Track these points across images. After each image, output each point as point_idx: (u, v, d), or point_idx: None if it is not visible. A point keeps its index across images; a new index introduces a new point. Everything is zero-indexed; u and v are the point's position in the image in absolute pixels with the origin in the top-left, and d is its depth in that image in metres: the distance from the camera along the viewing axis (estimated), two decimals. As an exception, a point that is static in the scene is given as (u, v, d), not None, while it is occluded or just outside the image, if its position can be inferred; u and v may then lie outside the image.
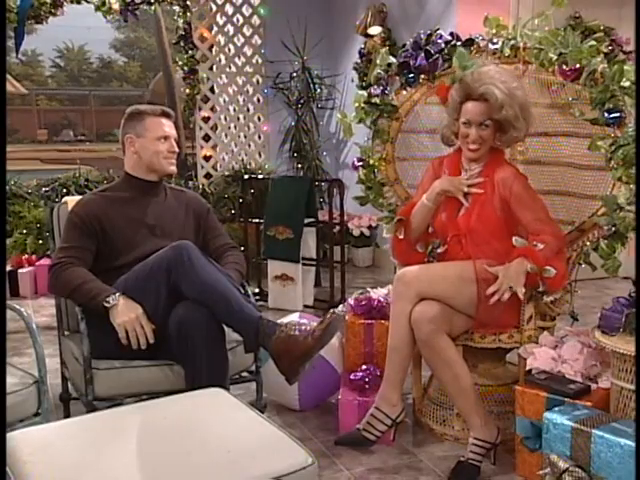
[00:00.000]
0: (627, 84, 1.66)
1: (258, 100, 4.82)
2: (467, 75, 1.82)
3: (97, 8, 4.39)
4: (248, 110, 4.83)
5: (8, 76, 5.86)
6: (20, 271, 3.88)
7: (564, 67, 1.82)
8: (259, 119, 4.84)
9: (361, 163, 2.17)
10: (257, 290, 3.76)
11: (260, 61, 4.74)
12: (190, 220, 1.96)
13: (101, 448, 1.15)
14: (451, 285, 1.77)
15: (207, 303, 1.63)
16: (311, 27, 4.60)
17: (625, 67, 1.68)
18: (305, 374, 1.71)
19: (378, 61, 2.15)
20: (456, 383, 1.73)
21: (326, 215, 3.58)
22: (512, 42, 1.97)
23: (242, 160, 4.80)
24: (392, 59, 2.11)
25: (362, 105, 2.14)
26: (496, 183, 1.81)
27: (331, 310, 1.71)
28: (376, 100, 2.12)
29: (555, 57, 1.84)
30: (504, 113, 1.75)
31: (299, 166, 4.85)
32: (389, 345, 1.84)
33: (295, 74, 4.77)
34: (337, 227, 3.67)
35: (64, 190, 4.35)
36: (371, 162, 2.15)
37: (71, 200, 1.99)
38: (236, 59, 4.74)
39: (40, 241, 4.05)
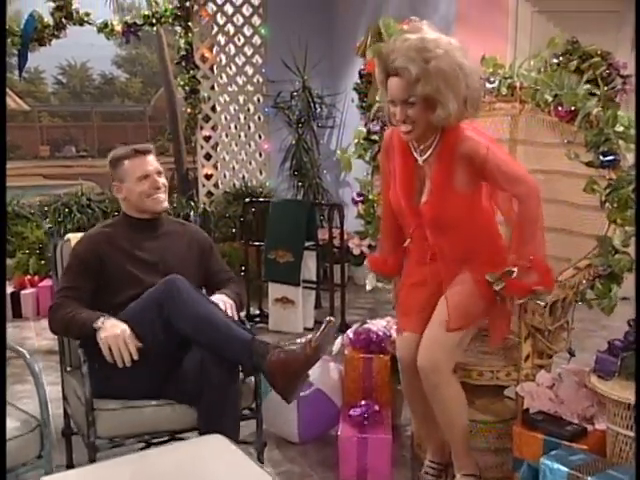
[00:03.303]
0: (621, 129, 1.69)
1: (259, 119, 4.86)
2: (383, 47, 1.63)
3: (99, 30, 4.45)
4: (249, 128, 4.87)
5: (11, 93, 5.91)
6: (23, 292, 3.90)
7: (559, 108, 1.85)
8: (260, 137, 4.88)
9: (361, 198, 2.20)
10: (258, 312, 3.79)
11: (261, 80, 4.78)
12: (192, 254, 1.96)
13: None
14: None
15: (200, 336, 1.66)
16: (311, 47, 4.64)
17: (619, 112, 1.70)
18: (301, 390, 1.72)
19: (377, 97, 2.17)
20: (453, 430, 1.77)
21: (326, 234, 3.60)
22: (509, 81, 2.00)
23: (243, 178, 4.83)
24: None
25: (361, 141, 2.17)
26: (457, 158, 1.61)
27: (327, 318, 1.71)
28: (375, 137, 2.15)
29: (551, 98, 1.87)
30: (420, 89, 1.52)
31: (299, 184, 4.89)
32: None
33: (296, 93, 4.81)
34: (337, 249, 3.69)
35: (66, 210, 4.39)
36: (370, 197, 2.18)
37: (74, 237, 2.01)
38: (237, 78, 4.79)
39: (42, 262, 4.07)
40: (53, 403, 2.53)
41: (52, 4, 4.24)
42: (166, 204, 1.92)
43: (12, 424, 1.55)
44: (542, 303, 1.67)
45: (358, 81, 4.57)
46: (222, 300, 1.82)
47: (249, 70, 4.77)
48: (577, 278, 1.89)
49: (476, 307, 1.74)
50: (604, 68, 3.53)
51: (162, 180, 1.90)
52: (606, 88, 3.55)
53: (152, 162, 1.89)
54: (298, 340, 1.67)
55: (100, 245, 1.86)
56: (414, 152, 1.68)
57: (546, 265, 1.65)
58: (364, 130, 2.18)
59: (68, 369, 2.05)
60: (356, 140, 2.19)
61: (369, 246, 4.59)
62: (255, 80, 4.78)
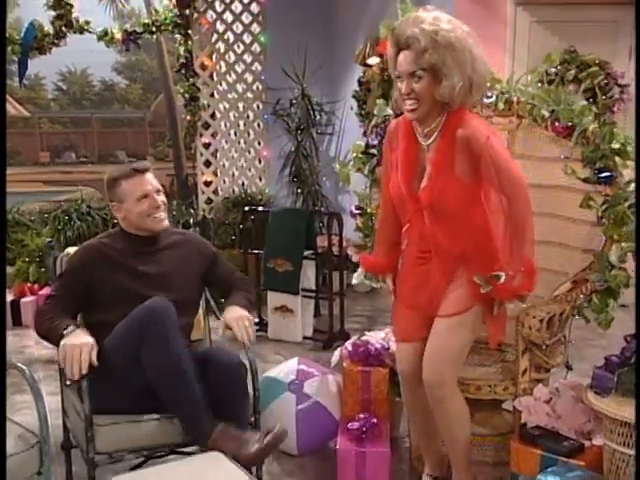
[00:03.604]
0: (617, 146, 1.70)
1: (258, 126, 4.88)
2: (397, 23, 1.66)
3: (99, 38, 4.46)
4: (249, 135, 4.89)
5: (11, 99, 5.93)
6: (23, 300, 3.90)
7: (556, 124, 1.86)
8: (259, 144, 4.90)
9: (359, 211, 2.21)
10: (257, 320, 3.79)
11: (260, 88, 4.80)
12: (193, 265, 1.93)
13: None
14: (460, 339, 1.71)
15: (159, 382, 1.65)
16: (311, 55, 4.65)
17: (615, 130, 1.71)
18: None
19: (375, 112, 2.19)
20: (456, 444, 1.77)
21: (325, 241, 3.61)
22: (506, 96, 2.02)
23: (242, 185, 4.85)
24: (389, 111, 2.15)
25: (359, 155, 2.18)
26: (458, 142, 1.61)
27: (277, 427, 1.71)
28: (373, 151, 2.16)
29: (547, 114, 1.88)
30: (428, 57, 1.55)
31: (299, 191, 4.90)
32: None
33: (295, 100, 4.82)
34: (336, 257, 3.70)
35: (66, 217, 4.40)
36: (369, 210, 2.19)
37: (73, 251, 2.02)
38: (237, 86, 4.81)
39: (42, 270, 4.08)
40: (52, 414, 2.53)
41: (52, 13, 4.25)
42: (166, 222, 1.89)
43: (11, 440, 1.56)
44: (523, 305, 1.66)
45: (357, 89, 4.60)
46: (237, 324, 1.80)
47: (249, 77, 4.79)
48: (574, 292, 1.91)
49: (474, 312, 1.71)
50: (602, 77, 3.56)
51: (161, 198, 1.88)
52: (604, 97, 3.60)
53: (151, 181, 1.87)
54: (243, 436, 1.65)
55: (94, 257, 1.84)
56: (419, 137, 1.68)
57: (533, 268, 1.64)
58: (362, 144, 2.19)
59: (67, 382, 2.04)
60: (354, 154, 2.20)
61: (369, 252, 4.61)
62: (254, 87, 4.80)
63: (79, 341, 1.64)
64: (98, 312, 1.83)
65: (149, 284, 1.84)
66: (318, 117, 4.89)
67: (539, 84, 1.95)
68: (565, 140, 1.88)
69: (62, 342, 1.65)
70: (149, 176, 1.87)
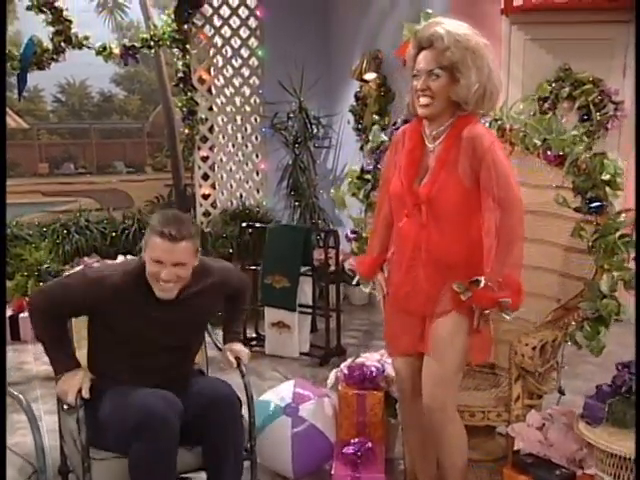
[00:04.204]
0: (607, 177, 1.72)
1: (256, 139, 4.90)
2: (420, 26, 1.74)
3: (98, 52, 4.48)
4: (246, 148, 4.91)
5: (10, 111, 5.95)
6: (21, 316, 3.91)
7: (548, 153, 1.89)
8: (257, 157, 4.92)
9: (354, 235, 2.23)
10: (255, 335, 3.81)
11: (258, 101, 4.83)
12: (211, 312, 1.94)
13: None
14: (451, 349, 1.68)
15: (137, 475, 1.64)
16: (308, 69, 4.69)
17: (605, 161, 1.74)
18: None
19: (370, 137, 2.21)
20: (454, 470, 1.78)
21: (322, 254, 3.62)
22: (499, 123, 2.04)
23: (241, 197, 4.87)
24: (384, 137, 2.17)
25: (355, 180, 2.21)
26: (463, 143, 1.63)
27: None
28: (368, 176, 2.18)
29: (539, 143, 1.90)
30: (449, 55, 1.60)
31: (296, 204, 4.93)
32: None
33: (292, 114, 4.86)
34: (332, 274, 3.72)
35: (65, 231, 4.42)
36: (364, 234, 2.21)
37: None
38: (235, 99, 4.83)
39: (41, 284, 4.09)
40: (50, 434, 2.56)
41: (51, 28, 4.28)
42: (173, 294, 1.73)
43: (9, 471, 1.56)
44: (507, 317, 1.63)
45: (354, 103, 4.64)
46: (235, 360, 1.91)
47: (246, 91, 4.82)
48: (566, 319, 1.93)
49: (463, 334, 1.69)
50: (596, 95, 3.60)
51: (177, 271, 1.69)
52: (598, 114, 3.63)
53: (175, 252, 1.67)
54: None
55: (108, 296, 1.72)
56: (426, 140, 1.71)
57: (519, 284, 1.62)
58: (357, 169, 2.21)
59: (65, 407, 2.05)
60: (349, 179, 2.23)
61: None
62: (252, 101, 4.83)
63: (72, 381, 1.71)
64: (103, 329, 1.79)
65: (160, 331, 1.77)
66: (315, 130, 4.93)
67: (531, 113, 1.97)
68: (557, 168, 1.90)
69: (57, 390, 1.73)
70: (178, 246, 1.67)
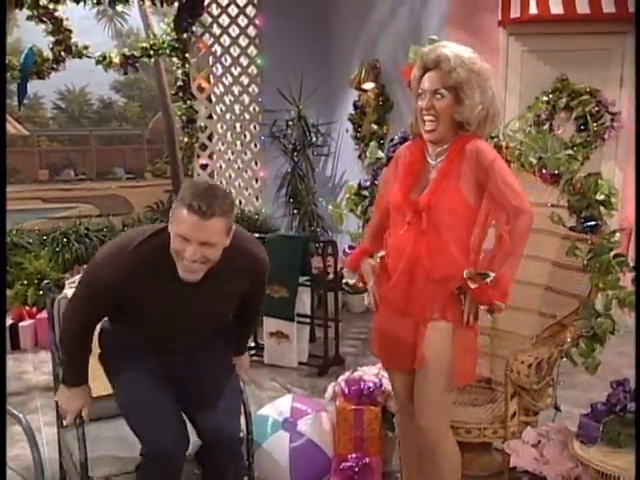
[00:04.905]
0: (601, 197, 1.74)
1: (255, 146, 4.93)
2: (426, 49, 1.77)
3: (98, 62, 4.51)
4: (246, 155, 4.94)
5: (10, 119, 5.98)
6: (21, 324, 3.92)
7: (544, 171, 1.91)
8: (256, 165, 4.95)
9: (352, 251, 2.24)
10: (253, 344, 3.82)
11: (257, 109, 4.86)
12: (238, 296, 1.71)
13: None
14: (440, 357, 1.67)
15: None
16: (307, 77, 4.71)
17: (600, 181, 1.76)
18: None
19: (368, 154, 2.23)
20: None
21: (320, 262, 3.64)
22: (495, 140, 2.06)
23: (240, 203, 4.89)
24: (381, 154, 2.19)
25: (352, 196, 2.22)
26: (466, 155, 1.65)
27: None
28: (365, 192, 2.20)
29: (535, 161, 1.92)
30: (454, 76, 1.63)
31: (295, 211, 4.95)
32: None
33: (291, 122, 4.88)
34: (331, 282, 3.73)
35: (65, 239, 4.44)
36: (361, 250, 2.22)
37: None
38: (234, 107, 4.86)
39: (41, 292, 4.11)
40: (50, 446, 2.57)
41: (51, 38, 4.30)
42: (198, 276, 1.54)
43: (9, 490, 1.58)
44: (490, 317, 1.65)
45: (352, 112, 4.66)
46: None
47: (245, 99, 4.85)
48: (562, 335, 1.94)
49: (455, 352, 1.68)
50: (593, 105, 3.62)
51: (206, 252, 1.49)
52: (595, 125, 3.65)
53: (205, 229, 1.47)
54: None
55: (125, 277, 1.55)
56: (428, 157, 1.73)
57: (508, 287, 1.62)
58: (355, 185, 2.23)
59: (64, 423, 2.06)
60: (347, 195, 2.24)
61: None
62: (251, 109, 4.86)
63: (65, 407, 1.71)
64: (122, 315, 1.66)
65: (180, 312, 1.62)
66: (314, 138, 4.95)
67: (527, 130, 1.99)
68: (552, 187, 1.92)
69: (60, 404, 1.70)
70: (207, 224, 1.46)
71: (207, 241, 1.48)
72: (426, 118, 1.67)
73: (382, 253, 1.81)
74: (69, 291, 2.10)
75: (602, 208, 1.78)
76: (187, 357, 1.75)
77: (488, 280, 1.57)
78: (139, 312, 1.63)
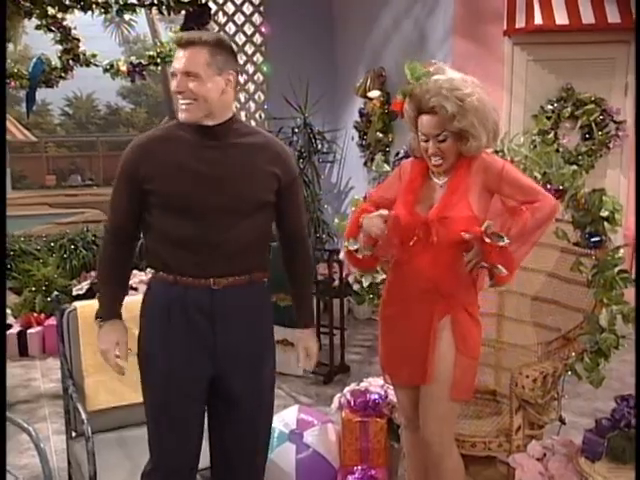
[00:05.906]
0: (606, 214, 1.75)
1: (261, 153, 4.95)
2: (416, 87, 1.69)
3: (105, 70, 4.56)
4: (251, 163, 4.96)
5: (18, 125, 6.04)
6: (29, 331, 3.94)
7: (548, 186, 1.92)
8: (262, 172, 4.97)
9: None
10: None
11: (263, 116, 4.89)
12: (268, 177, 1.57)
13: None
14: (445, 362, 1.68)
15: None
16: (312, 85, 4.74)
17: (604, 197, 1.77)
18: None
19: (374, 167, 2.25)
20: None
21: (326, 269, 3.65)
22: (500, 154, 2.07)
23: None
24: (387, 167, 2.21)
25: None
26: (474, 167, 1.67)
27: None
28: (370, 206, 2.21)
29: (539, 176, 1.93)
30: (457, 124, 1.63)
31: (301, 218, 4.96)
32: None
33: (297, 129, 4.90)
34: (335, 289, 3.75)
35: (72, 246, 4.48)
36: (366, 262, 2.24)
37: (80, 306, 2.06)
38: (240, 114, 4.89)
39: (49, 299, 4.14)
40: (59, 455, 2.59)
41: (60, 47, 4.35)
42: (188, 115, 1.48)
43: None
44: (486, 285, 1.65)
45: (358, 119, 4.68)
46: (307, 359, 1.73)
47: (252, 106, 4.89)
48: (567, 349, 1.95)
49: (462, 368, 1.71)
50: (598, 114, 3.62)
51: (190, 84, 1.46)
52: (600, 133, 3.65)
53: (185, 58, 1.46)
54: None
55: (146, 155, 1.51)
56: (433, 176, 1.75)
57: (514, 265, 1.63)
58: (360, 199, 2.24)
59: (74, 434, 2.08)
60: (353, 208, 2.25)
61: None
62: (257, 116, 4.89)
63: (103, 346, 1.60)
64: (157, 225, 1.54)
65: (210, 185, 1.51)
66: (320, 145, 4.97)
67: (531, 145, 2.00)
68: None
69: (99, 346, 1.61)
70: (186, 51, 1.46)
71: (187, 70, 1.46)
72: (433, 159, 1.69)
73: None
74: (78, 304, 2.13)
75: (606, 224, 1.79)
76: (223, 312, 1.58)
77: (501, 243, 1.56)
78: (167, 199, 1.51)
